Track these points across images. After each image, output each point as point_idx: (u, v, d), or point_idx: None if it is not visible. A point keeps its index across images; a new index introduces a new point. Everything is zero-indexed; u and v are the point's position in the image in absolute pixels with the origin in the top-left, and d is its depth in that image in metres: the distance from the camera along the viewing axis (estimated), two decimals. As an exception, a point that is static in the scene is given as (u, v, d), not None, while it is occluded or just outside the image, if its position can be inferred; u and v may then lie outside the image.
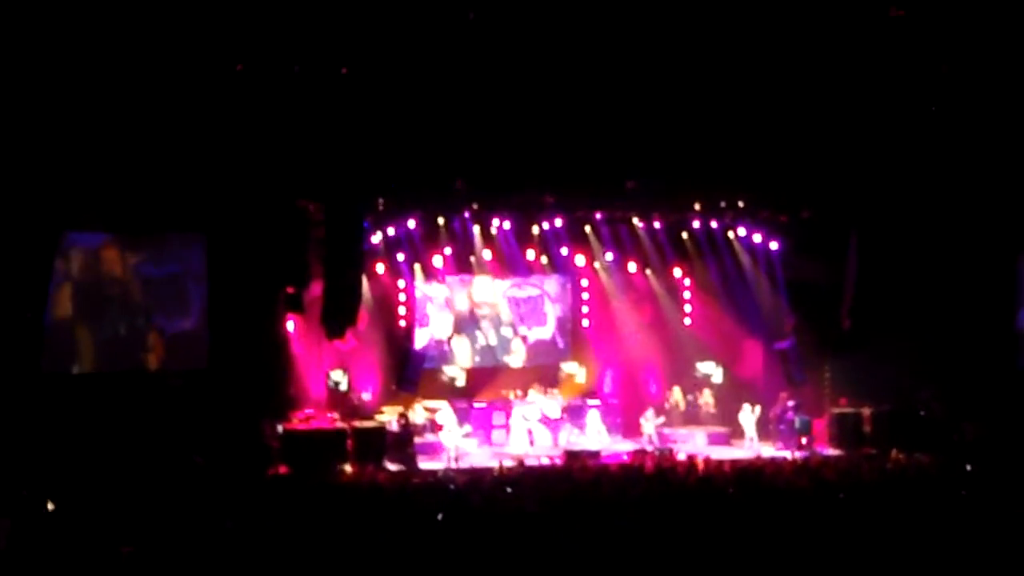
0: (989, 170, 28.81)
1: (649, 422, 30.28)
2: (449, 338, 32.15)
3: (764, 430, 30.27)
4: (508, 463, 25.98)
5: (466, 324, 32.35)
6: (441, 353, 32.01)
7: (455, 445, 28.52)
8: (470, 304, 32.32)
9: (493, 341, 32.45)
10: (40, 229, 25.97)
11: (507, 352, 32.59)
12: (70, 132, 25.02)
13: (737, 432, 30.57)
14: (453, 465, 27.22)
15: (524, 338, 32.64)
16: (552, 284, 32.86)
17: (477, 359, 32.38)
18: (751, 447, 29.53)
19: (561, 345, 32.91)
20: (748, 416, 30.14)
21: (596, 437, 30.42)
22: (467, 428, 29.30)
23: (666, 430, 30.64)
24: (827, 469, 24.11)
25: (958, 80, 26.97)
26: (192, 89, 25.33)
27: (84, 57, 24.05)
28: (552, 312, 32.88)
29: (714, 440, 30.48)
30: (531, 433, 30.24)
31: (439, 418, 29.67)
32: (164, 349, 27.95)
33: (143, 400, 26.91)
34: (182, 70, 24.88)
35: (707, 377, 32.35)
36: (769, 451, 29.02)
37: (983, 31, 25.50)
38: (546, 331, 32.81)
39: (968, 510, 19.05)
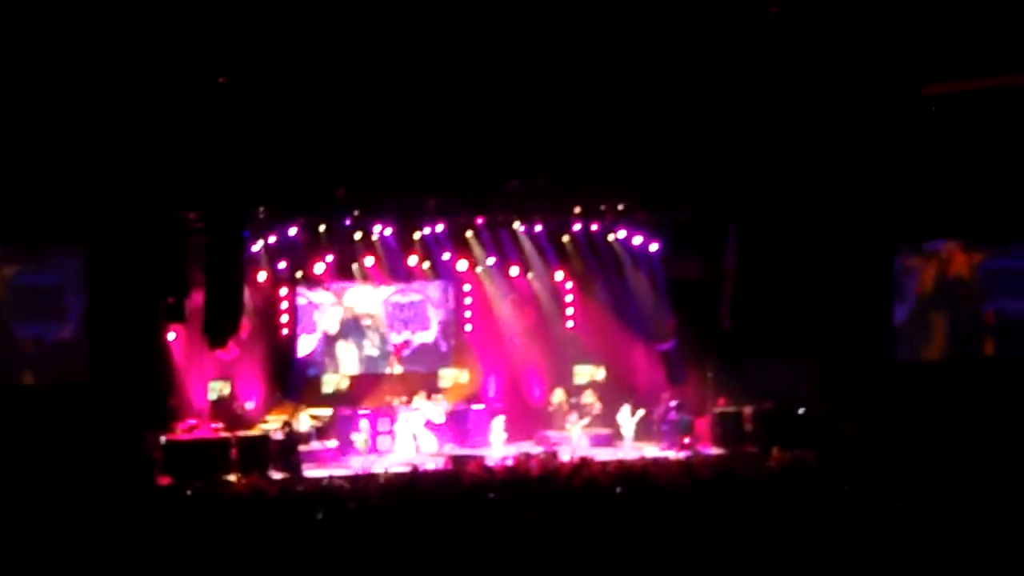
0: (866, 166, 29.26)
1: (629, 420, 30.40)
2: (334, 345, 31.99)
3: (648, 431, 30.53)
4: (395, 469, 26.01)
5: (351, 331, 32.22)
6: (325, 360, 31.86)
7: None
8: (354, 312, 32.16)
9: (375, 352, 32.35)
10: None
11: (389, 362, 32.50)
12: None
13: (620, 433, 30.77)
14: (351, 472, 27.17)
15: (406, 343, 32.56)
16: (434, 289, 32.84)
17: (362, 367, 32.25)
18: (630, 448, 29.79)
19: (444, 348, 32.91)
20: (626, 417, 30.39)
21: (496, 443, 30.37)
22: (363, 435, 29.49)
23: (550, 432, 30.83)
24: (708, 468, 24.36)
25: (835, 77, 27.39)
26: (67, 99, 25.15)
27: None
28: (435, 317, 32.88)
29: (597, 441, 30.63)
30: (416, 438, 30.24)
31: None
32: (43, 360, 27.53)
33: (20, 415, 26.55)
34: (57, 79, 24.70)
35: (589, 379, 32.49)
36: (653, 451, 29.26)
37: (863, 27, 25.89)
38: (429, 335, 32.80)
39: (849, 505, 19.32)
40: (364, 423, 30.20)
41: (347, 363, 32.09)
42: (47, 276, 27.61)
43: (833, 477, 22.21)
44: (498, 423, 30.80)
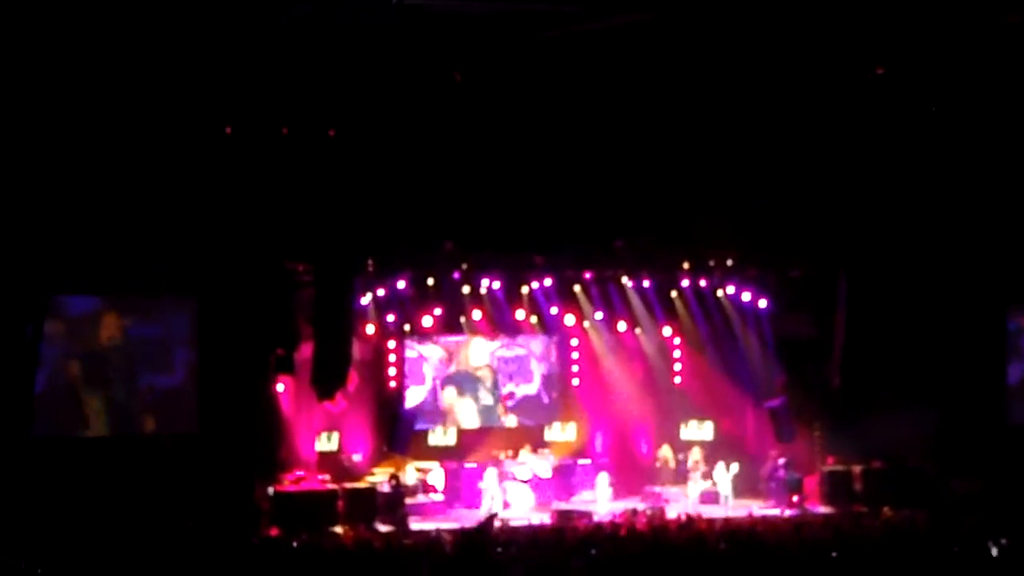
0: (978, 225, 28.97)
1: (724, 476, 30.38)
2: (447, 398, 32.02)
3: (751, 488, 30.31)
4: (497, 523, 25.96)
5: (465, 384, 32.32)
6: (435, 414, 31.90)
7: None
8: (464, 365, 32.23)
9: (489, 401, 32.35)
10: (30, 294, 25.93)
11: (500, 411, 32.51)
12: (59, 197, 25.11)
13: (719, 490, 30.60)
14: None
15: (511, 394, 32.54)
16: (537, 344, 32.80)
17: (480, 419, 32.29)
18: (727, 505, 29.62)
19: (547, 401, 32.83)
20: (723, 474, 30.20)
21: (601, 498, 30.23)
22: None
23: (656, 488, 30.64)
24: (818, 527, 24.08)
25: (944, 136, 27.18)
26: (180, 153, 25.50)
27: (73, 122, 24.18)
28: (537, 370, 32.85)
29: (705, 499, 30.38)
30: (505, 493, 30.08)
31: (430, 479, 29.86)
32: (156, 410, 27.81)
33: (134, 465, 26.80)
34: (172, 134, 25.05)
35: (697, 435, 32.26)
36: (760, 509, 28.97)
37: (968, 86, 25.69)
38: (532, 387, 32.73)
39: (961, 567, 19.04)
40: (491, 471, 30.18)
41: (465, 416, 32.15)
42: (154, 328, 27.93)
43: (944, 537, 21.90)
44: (603, 478, 30.66)
